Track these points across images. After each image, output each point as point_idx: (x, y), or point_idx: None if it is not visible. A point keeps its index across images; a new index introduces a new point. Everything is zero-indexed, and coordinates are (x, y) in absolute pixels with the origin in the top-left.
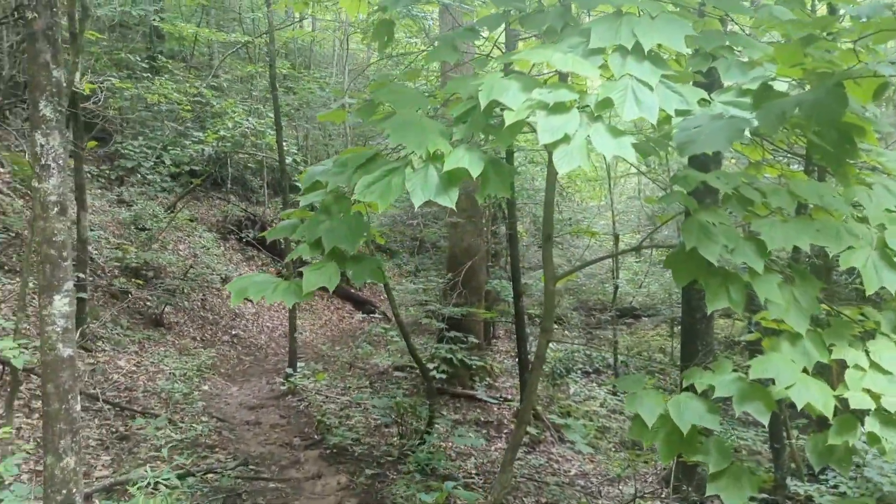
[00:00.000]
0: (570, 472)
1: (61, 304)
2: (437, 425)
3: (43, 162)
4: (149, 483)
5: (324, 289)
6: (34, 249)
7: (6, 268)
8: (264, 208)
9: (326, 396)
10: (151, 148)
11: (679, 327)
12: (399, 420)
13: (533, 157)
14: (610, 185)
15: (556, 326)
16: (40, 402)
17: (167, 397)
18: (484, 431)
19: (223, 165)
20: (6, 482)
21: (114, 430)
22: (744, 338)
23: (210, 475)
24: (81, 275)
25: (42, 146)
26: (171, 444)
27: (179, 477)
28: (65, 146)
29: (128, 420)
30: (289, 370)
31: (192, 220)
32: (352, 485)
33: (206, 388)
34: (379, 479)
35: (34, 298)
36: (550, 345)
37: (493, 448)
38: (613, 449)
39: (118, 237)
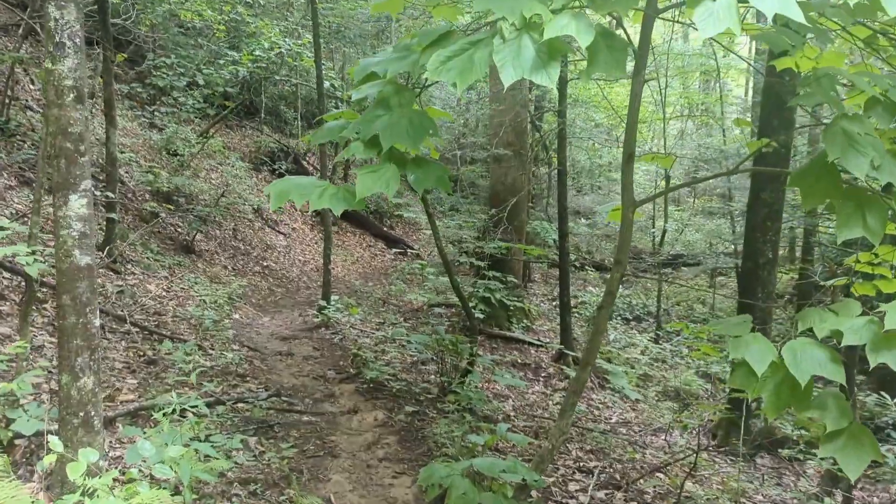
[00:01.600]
0: (611, 419)
1: (78, 204)
2: (476, 364)
3: (57, 39)
4: (174, 409)
5: (356, 223)
6: (49, 143)
7: (35, 185)
8: (297, 140)
9: (361, 331)
10: (184, 67)
11: (719, 278)
12: (438, 357)
13: (577, 97)
14: (664, 120)
15: (593, 272)
16: None
17: (197, 323)
18: (521, 374)
19: (257, 93)
20: (21, 402)
21: (141, 353)
22: (831, 282)
23: (241, 404)
24: (111, 194)
25: (56, 21)
26: (200, 371)
27: (208, 405)
28: (82, 23)
29: (156, 344)
30: (322, 302)
31: (224, 150)
32: (390, 421)
33: (236, 316)
34: (418, 417)
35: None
36: (590, 289)
37: (531, 390)
38: (656, 398)
39: (149, 161)
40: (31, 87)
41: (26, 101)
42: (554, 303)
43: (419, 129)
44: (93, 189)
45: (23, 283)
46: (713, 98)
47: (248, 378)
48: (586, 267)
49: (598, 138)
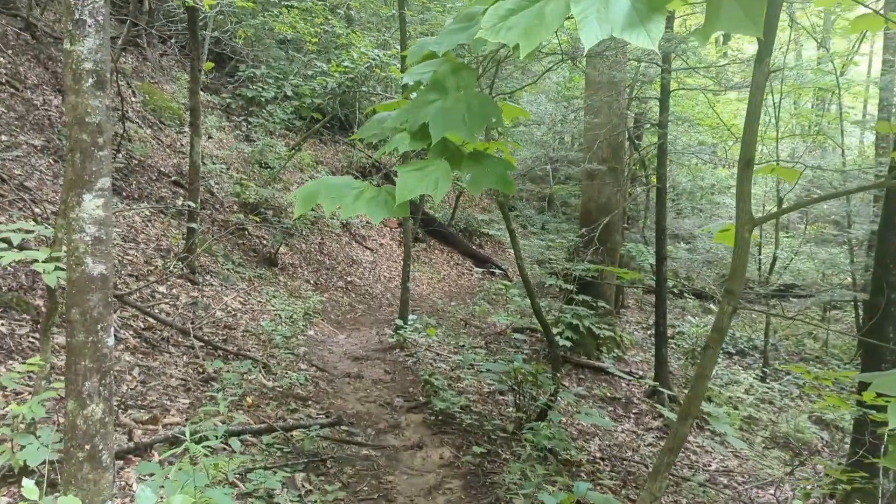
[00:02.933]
0: (709, 466)
1: (93, 205)
2: (559, 398)
3: (77, 16)
4: (204, 438)
5: (444, 240)
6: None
7: (124, 194)
8: (389, 156)
9: (437, 354)
10: (273, 79)
11: (832, 312)
12: (516, 388)
13: (679, 112)
14: (777, 139)
15: (693, 301)
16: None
17: (266, 339)
18: (610, 409)
19: (350, 106)
20: (37, 425)
21: (200, 370)
22: None
23: (296, 432)
24: (192, 204)
25: None
26: (260, 391)
27: (258, 432)
28: (107, 0)
29: (217, 360)
30: (399, 321)
31: (316, 163)
32: (456, 462)
33: (311, 333)
34: (489, 459)
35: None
36: (689, 318)
37: (619, 429)
38: (764, 445)
39: (241, 173)
40: (133, 98)
41: (127, 111)
42: (649, 332)
43: (479, 117)
44: (111, 188)
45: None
46: (829, 117)
47: (309, 402)
48: (685, 294)
49: (702, 157)
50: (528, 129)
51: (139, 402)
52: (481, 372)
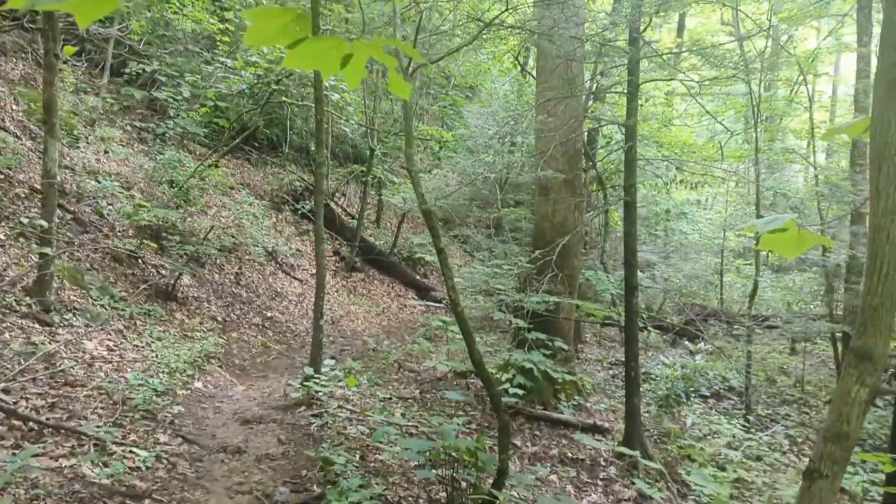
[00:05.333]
0: None
1: None
2: (507, 476)
3: None
4: None
5: (385, 269)
6: None
7: None
8: (328, 180)
9: (354, 412)
10: (166, 76)
11: (806, 345)
12: (448, 477)
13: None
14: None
15: (655, 333)
16: None
17: (121, 399)
18: (573, 474)
19: (280, 125)
20: None
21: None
22: None
23: None
24: (45, 223)
25: None
26: (65, 493)
27: None
28: None
29: (37, 438)
30: (308, 369)
31: (237, 185)
32: None
33: (198, 385)
34: None
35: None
36: (662, 358)
37: (584, 500)
38: None
39: (145, 194)
40: (15, 106)
41: (2, 119)
42: (611, 372)
43: None
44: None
45: None
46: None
47: (145, 501)
48: (648, 328)
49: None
50: (474, 145)
51: None
52: (410, 431)
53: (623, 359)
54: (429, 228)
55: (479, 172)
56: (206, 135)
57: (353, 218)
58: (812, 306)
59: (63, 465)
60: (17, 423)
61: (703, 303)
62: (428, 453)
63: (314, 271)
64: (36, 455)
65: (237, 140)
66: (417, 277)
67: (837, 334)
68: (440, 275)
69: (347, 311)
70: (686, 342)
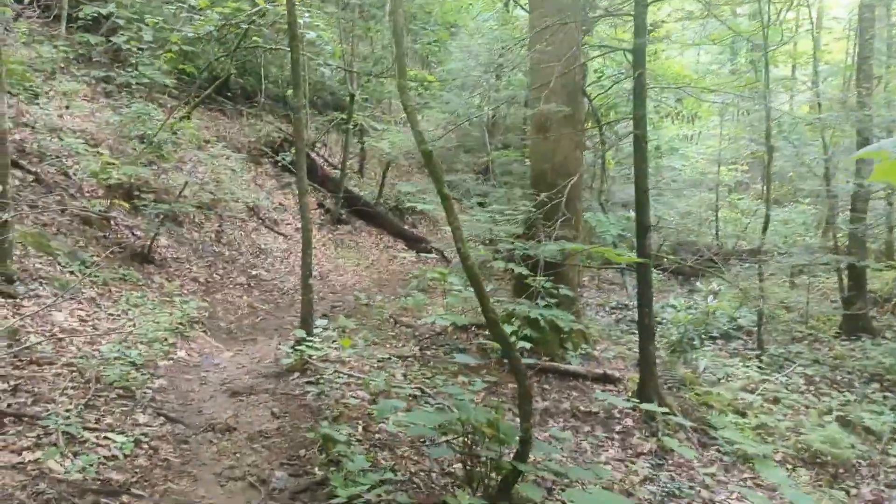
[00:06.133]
0: None
1: None
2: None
3: None
4: None
5: (372, 220)
6: None
7: None
8: (307, 129)
9: (351, 376)
10: (127, 20)
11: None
12: (466, 449)
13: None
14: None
15: (658, 275)
16: None
17: (93, 377)
18: (586, 428)
19: (254, 73)
20: None
21: None
22: None
23: None
24: None
25: None
26: (26, 494)
27: None
28: None
29: None
30: (299, 332)
31: (207, 141)
32: None
33: (181, 354)
34: None
35: None
36: (673, 301)
37: (602, 456)
38: (789, 465)
39: (115, 151)
40: None
41: None
42: (613, 316)
43: None
44: None
45: None
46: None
47: (123, 497)
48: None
49: (659, 110)
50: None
51: None
52: (419, 400)
53: (625, 303)
54: (429, 171)
55: (467, 114)
56: (175, 86)
57: (335, 168)
58: (806, 239)
59: (26, 459)
60: None
61: (696, 240)
62: (439, 432)
63: (299, 225)
64: None
65: (209, 90)
66: (406, 228)
67: (842, 265)
68: (429, 224)
69: (335, 265)
70: (693, 282)
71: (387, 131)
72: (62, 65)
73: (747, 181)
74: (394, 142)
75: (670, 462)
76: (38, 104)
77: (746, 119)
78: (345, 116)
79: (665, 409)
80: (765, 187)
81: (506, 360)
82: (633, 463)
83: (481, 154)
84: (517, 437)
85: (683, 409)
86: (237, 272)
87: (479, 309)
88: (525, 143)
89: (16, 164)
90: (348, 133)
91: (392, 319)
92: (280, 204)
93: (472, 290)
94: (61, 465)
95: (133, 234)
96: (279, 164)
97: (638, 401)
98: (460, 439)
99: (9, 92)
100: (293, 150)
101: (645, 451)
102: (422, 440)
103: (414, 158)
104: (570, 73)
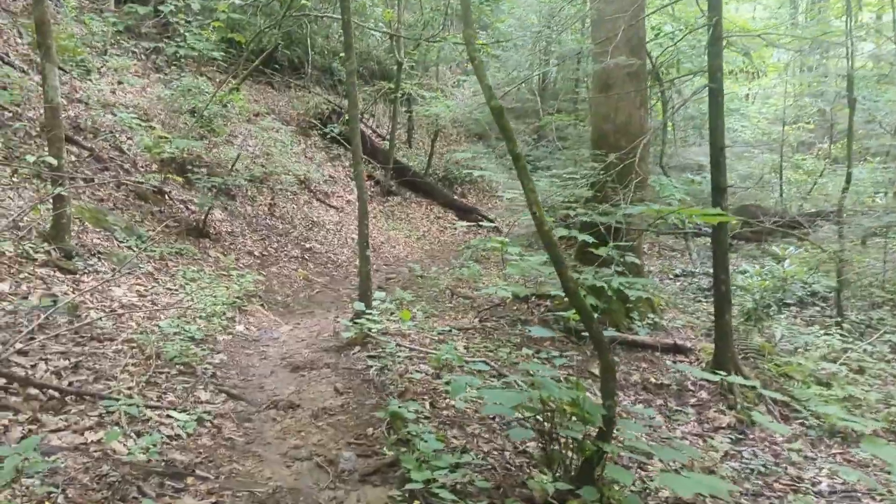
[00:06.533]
0: (817, 481)
1: None
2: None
3: None
4: None
5: (422, 191)
6: None
7: None
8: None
9: (412, 349)
10: None
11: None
12: (546, 431)
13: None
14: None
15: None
16: None
17: (153, 353)
18: (658, 401)
19: (301, 44)
20: None
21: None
22: None
23: None
24: (54, 160)
25: None
26: (92, 476)
27: None
28: None
29: (57, 409)
30: (358, 305)
31: (256, 114)
32: None
33: (240, 328)
34: None
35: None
36: (750, 267)
37: (678, 431)
38: (888, 440)
39: (166, 126)
40: (20, 40)
41: (6, 53)
42: (678, 283)
43: None
44: None
45: None
46: None
47: (190, 477)
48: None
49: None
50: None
51: None
52: (483, 373)
53: (691, 270)
54: (500, 128)
55: (520, 75)
56: (224, 58)
57: (384, 139)
58: (877, 199)
59: (88, 440)
60: (33, 391)
61: (758, 203)
62: (518, 411)
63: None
64: (57, 430)
65: (257, 62)
66: (455, 198)
67: None
68: (479, 194)
69: (387, 236)
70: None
71: (435, 99)
72: (112, 41)
73: (814, 140)
74: (449, 105)
75: (751, 437)
76: (90, 80)
77: (811, 74)
78: (392, 86)
79: (748, 381)
80: (840, 144)
81: (573, 334)
82: (711, 438)
83: (531, 119)
84: (600, 415)
85: (763, 381)
86: (291, 245)
87: (540, 279)
88: (577, 106)
89: (71, 140)
90: (396, 102)
91: (449, 291)
92: (330, 176)
93: (531, 259)
94: (124, 445)
95: (187, 208)
96: (328, 136)
97: (722, 373)
98: (537, 417)
99: (61, 68)
100: (341, 122)
101: (723, 426)
102: (491, 417)
103: (462, 127)
104: (633, 27)
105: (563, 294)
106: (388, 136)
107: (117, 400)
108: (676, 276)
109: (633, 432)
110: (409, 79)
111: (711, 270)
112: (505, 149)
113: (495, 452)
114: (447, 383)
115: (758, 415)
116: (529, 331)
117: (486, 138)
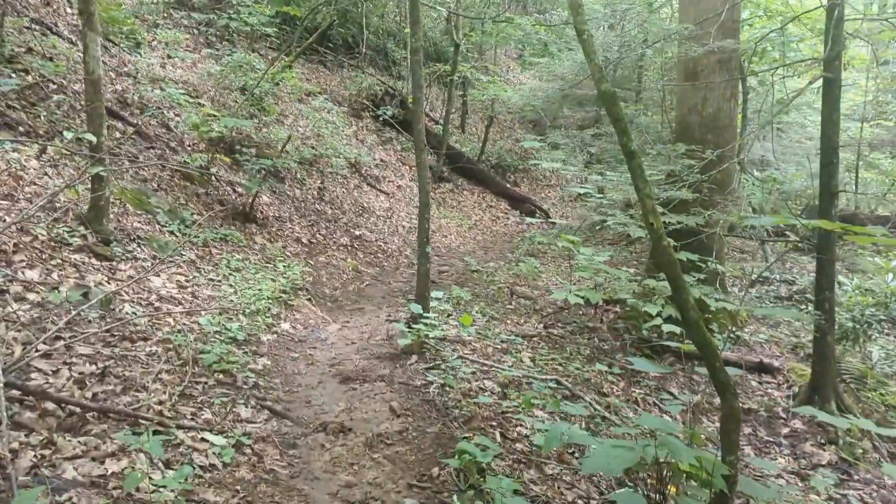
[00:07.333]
0: None
1: None
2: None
3: None
4: None
5: (474, 179)
6: None
7: (21, 129)
8: (406, 82)
9: (474, 361)
10: None
11: None
12: (656, 487)
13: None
14: None
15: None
16: None
17: (190, 358)
18: (747, 430)
19: (356, 23)
20: None
21: None
22: None
23: None
24: (93, 137)
25: None
26: None
27: None
28: None
29: (77, 429)
30: (415, 307)
31: (308, 94)
32: None
33: (286, 326)
34: None
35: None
36: (845, 280)
37: (775, 467)
38: None
39: (217, 103)
40: (69, 10)
41: (55, 23)
42: (754, 292)
43: None
44: None
45: None
46: None
47: None
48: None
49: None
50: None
51: None
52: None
53: (766, 276)
54: (612, 119)
55: (614, 57)
56: (276, 34)
57: (437, 123)
58: None
59: (109, 471)
60: (50, 406)
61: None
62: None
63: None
64: (73, 457)
65: (311, 39)
66: (509, 186)
67: None
68: (531, 183)
69: (439, 225)
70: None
71: (492, 83)
72: (164, 13)
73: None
74: (506, 90)
75: (856, 477)
76: (139, 53)
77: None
78: (448, 68)
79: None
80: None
81: (650, 346)
82: (809, 476)
83: (589, 108)
84: (723, 481)
85: (865, 412)
86: (340, 232)
87: (609, 284)
88: (640, 95)
89: (116, 115)
90: (451, 85)
91: (508, 290)
92: (381, 160)
93: (597, 258)
94: (149, 478)
95: (234, 190)
96: (380, 119)
97: (816, 403)
98: (646, 479)
99: (110, 40)
100: (394, 104)
101: (823, 463)
102: (570, 451)
103: (514, 114)
104: (728, 10)
105: (632, 302)
106: (441, 121)
107: (144, 426)
108: (752, 282)
109: (764, 498)
110: (466, 61)
111: (790, 277)
112: (566, 135)
113: (580, 502)
114: (520, 407)
115: (887, 466)
116: (628, 361)
117: (541, 126)
